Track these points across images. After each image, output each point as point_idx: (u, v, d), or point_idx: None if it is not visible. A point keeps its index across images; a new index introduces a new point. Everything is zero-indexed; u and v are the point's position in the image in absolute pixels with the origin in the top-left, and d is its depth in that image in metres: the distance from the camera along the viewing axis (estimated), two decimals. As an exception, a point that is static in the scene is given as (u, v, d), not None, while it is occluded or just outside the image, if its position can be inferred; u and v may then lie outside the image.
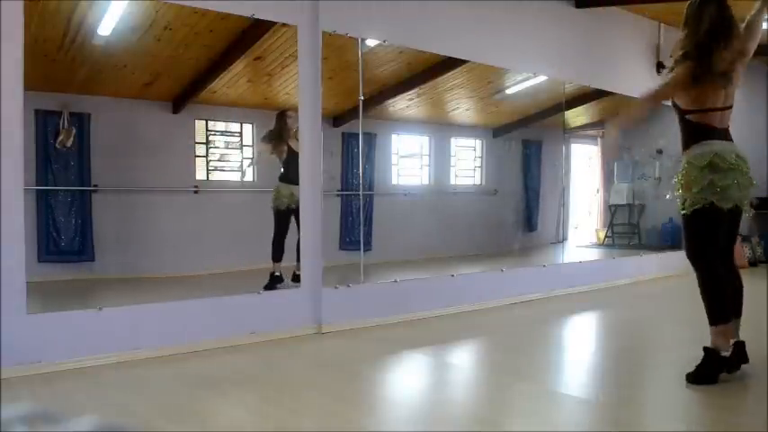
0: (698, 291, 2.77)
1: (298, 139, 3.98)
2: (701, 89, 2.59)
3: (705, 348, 2.61)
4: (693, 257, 2.70)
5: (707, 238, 2.66)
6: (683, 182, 2.66)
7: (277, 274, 3.91)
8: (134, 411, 2.37)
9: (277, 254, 3.95)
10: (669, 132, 2.76)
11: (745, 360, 2.73)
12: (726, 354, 2.57)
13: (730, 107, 2.68)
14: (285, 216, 3.93)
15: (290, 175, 3.93)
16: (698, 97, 2.62)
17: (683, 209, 2.65)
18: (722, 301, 2.62)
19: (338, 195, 4.85)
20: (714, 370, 2.58)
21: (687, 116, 2.66)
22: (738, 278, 2.80)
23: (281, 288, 3.78)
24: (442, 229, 6.01)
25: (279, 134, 4.03)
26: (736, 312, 2.77)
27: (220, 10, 3.42)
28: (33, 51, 3.03)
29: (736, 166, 2.58)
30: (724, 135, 2.65)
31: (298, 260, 3.83)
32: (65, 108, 3.78)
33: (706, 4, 2.62)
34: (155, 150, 4.23)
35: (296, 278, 3.82)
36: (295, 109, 3.76)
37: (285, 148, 4.02)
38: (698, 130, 2.65)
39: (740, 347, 2.74)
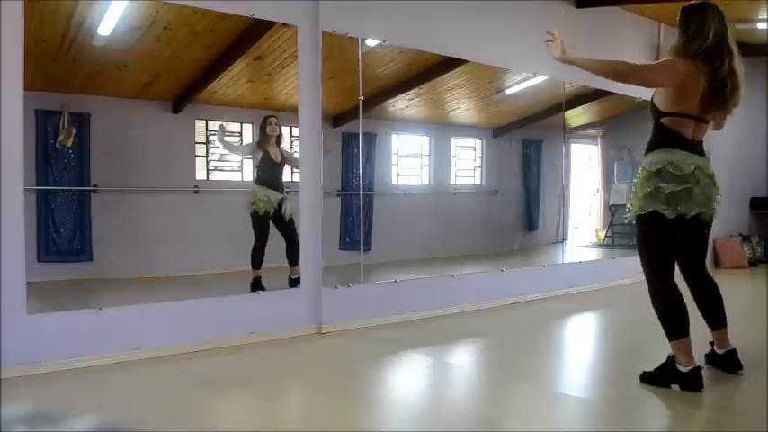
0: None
1: (278, 146, 4.02)
2: (685, 86, 2.50)
3: (668, 355, 2.59)
4: (643, 268, 2.64)
5: (654, 248, 2.60)
6: (634, 188, 2.62)
7: (258, 276, 3.90)
8: (134, 411, 2.37)
9: (257, 262, 3.93)
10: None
11: (738, 367, 2.73)
12: (683, 369, 2.50)
13: (707, 122, 2.63)
14: (264, 222, 3.93)
15: (266, 178, 3.97)
16: (678, 100, 2.54)
17: (628, 213, 2.63)
18: (675, 317, 2.53)
19: (338, 195, 4.85)
20: (666, 379, 2.56)
21: (662, 119, 2.59)
22: (714, 288, 2.77)
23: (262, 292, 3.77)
24: (442, 229, 6.01)
25: (259, 139, 4.06)
26: (720, 323, 2.74)
27: (220, 10, 3.42)
28: (33, 51, 3.03)
29: (691, 177, 2.49)
30: (693, 147, 2.56)
31: (291, 265, 3.85)
32: (65, 108, 3.77)
33: (710, 10, 2.56)
34: (155, 150, 4.23)
35: (292, 282, 3.82)
36: (294, 110, 3.76)
37: (261, 153, 4.03)
38: (668, 135, 2.57)
39: (732, 355, 2.74)
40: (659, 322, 2.59)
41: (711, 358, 2.82)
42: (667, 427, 2.31)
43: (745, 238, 7.35)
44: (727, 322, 2.76)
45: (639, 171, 2.65)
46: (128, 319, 3.14)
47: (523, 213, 6.47)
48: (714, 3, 2.61)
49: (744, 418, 2.30)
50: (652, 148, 2.62)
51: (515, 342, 3.62)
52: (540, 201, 6.53)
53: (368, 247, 4.74)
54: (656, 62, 2.64)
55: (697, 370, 2.52)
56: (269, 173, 3.99)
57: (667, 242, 2.59)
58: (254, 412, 2.41)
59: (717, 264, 7.15)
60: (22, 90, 2.82)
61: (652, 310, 2.67)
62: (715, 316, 2.75)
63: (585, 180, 7.14)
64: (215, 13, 3.45)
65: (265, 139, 4.01)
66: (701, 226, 2.64)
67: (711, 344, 2.83)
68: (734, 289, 5.96)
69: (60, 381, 2.74)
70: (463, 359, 3.39)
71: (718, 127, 2.73)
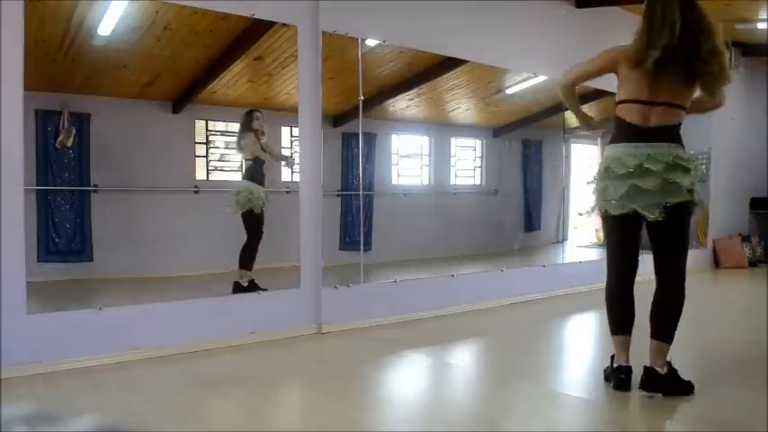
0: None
1: (260, 141, 3.97)
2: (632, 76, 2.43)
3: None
4: (607, 265, 2.67)
5: (609, 246, 2.64)
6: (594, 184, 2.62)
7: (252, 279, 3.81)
8: (134, 411, 2.37)
9: (251, 262, 3.85)
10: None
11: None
12: (614, 365, 2.56)
13: (670, 104, 2.41)
14: (259, 219, 3.91)
15: (256, 175, 3.95)
16: (622, 87, 2.49)
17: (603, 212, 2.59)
18: (611, 315, 2.60)
19: (338, 195, 4.85)
20: (609, 376, 2.62)
21: (616, 109, 2.52)
22: (671, 297, 2.49)
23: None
24: (442, 229, 6.01)
25: (251, 135, 3.99)
26: (660, 334, 2.46)
27: (220, 10, 3.43)
28: (33, 51, 3.03)
29: (637, 169, 2.36)
30: (647, 135, 2.39)
31: (241, 267, 3.81)
32: (65, 108, 3.77)
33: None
34: (155, 150, 4.22)
35: (239, 289, 3.75)
36: (294, 110, 3.76)
37: (257, 148, 3.98)
38: (618, 127, 2.50)
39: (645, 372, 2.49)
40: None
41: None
42: (668, 427, 2.31)
43: (745, 238, 7.35)
44: (672, 341, 2.48)
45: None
46: (128, 319, 3.15)
47: (523, 213, 6.46)
48: None
49: (745, 418, 2.30)
50: (609, 142, 2.60)
51: (515, 342, 3.62)
52: (540, 201, 6.53)
53: (368, 247, 4.74)
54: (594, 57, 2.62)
55: (622, 369, 2.53)
56: (261, 170, 3.98)
57: (621, 241, 2.58)
58: (254, 412, 2.41)
59: (717, 264, 7.15)
60: (22, 90, 2.82)
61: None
62: (658, 324, 2.48)
63: (586, 180, 7.13)
64: (215, 13, 3.46)
65: (255, 135, 3.98)
66: (668, 219, 2.38)
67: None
68: (734, 289, 5.97)
69: (60, 381, 2.74)
70: (463, 359, 3.39)
71: (714, 103, 2.54)
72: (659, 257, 2.53)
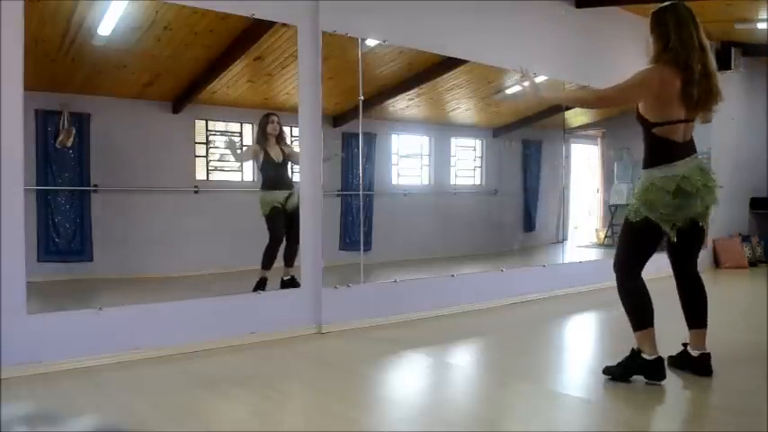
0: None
1: (279, 145, 3.96)
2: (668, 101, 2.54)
3: (632, 349, 2.67)
4: (620, 264, 2.72)
5: (640, 246, 2.67)
6: (644, 198, 2.58)
7: (265, 277, 3.83)
8: (134, 411, 2.37)
9: (269, 262, 3.85)
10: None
11: (708, 373, 2.71)
12: (648, 358, 2.60)
13: (694, 120, 2.65)
14: (277, 220, 3.89)
15: (270, 180, 3.94)
16: (664, 108, 2.55)
17: (634, 218, 2.61)
18: (643, 309, 2.65)
19: (338, 195, 4.85)
20: (631, 370, 2.65)
21: (654, 129, 2.59)
22: (701, 290, 2.79)
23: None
24: (441, 229, 6.00)
25: (258, 138, 4.01)
26: (700, 323, 2.76)
27: (220, 10, 3.43)
28: (33, 51, 3.03)
29: (703, 185, 2.55)
30: (687, 149, 2.60)
31: (286, 265, 3.84)
32: (65, 108, 3.77)
33: (678, 10, 2.59)
34: (155, 150, 4.22)
35: (284, 284, 3.81)
36: (294, 110, 3.77)
37: (262, 154, 3.96)
38: (663, 145, 2.58)
39: (704, 359, 2.73)
40: (626, 314, 2.70)
41: (678, 360, 2.83)
42: (668, 428, 2.31)
43: (745, 238, 7.35)
44: (708, 324, 2.77)
45: (646, 182, 2.60)
46: (128, 319, 3.15)
47: (523, 213, 6.46)
48: (681, 2, 2.60)
49: (745, 417, 2.30)
50: (655, 160, 2.61)
51: (515, 342, 3.62)
52: (540, 201, 6.53)
53: (368, 247, 4.74)
54: (630, 79, 2.59)
55: (660, 360, 2.60)
56: (272, 174, 3.97)
57: (654, 242, 2.66)
58: (254, 412, 2.41)
59: (717, 264, 7.15)
60: (22, 90, 2.83)
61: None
62: (697, 316, 2.77)
63: (585, 180, 7.13)
64: (215, 13, 3.46)
65: (265, 139, 3.98)
66: (698, 229, 2.66)
67: (684, 345, 2.82)
68: (734, 289, 5.96)
69: (60, 381, 2.74)
70: (463, 359, 3.40)
71: (706, 121, 2.74)
72: (686, 261, 2.79)
